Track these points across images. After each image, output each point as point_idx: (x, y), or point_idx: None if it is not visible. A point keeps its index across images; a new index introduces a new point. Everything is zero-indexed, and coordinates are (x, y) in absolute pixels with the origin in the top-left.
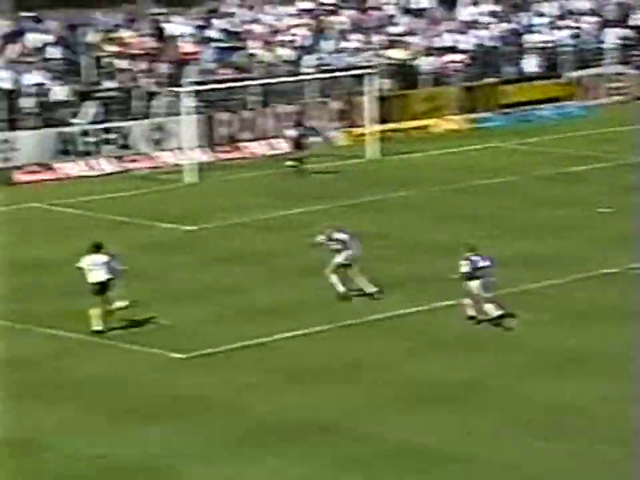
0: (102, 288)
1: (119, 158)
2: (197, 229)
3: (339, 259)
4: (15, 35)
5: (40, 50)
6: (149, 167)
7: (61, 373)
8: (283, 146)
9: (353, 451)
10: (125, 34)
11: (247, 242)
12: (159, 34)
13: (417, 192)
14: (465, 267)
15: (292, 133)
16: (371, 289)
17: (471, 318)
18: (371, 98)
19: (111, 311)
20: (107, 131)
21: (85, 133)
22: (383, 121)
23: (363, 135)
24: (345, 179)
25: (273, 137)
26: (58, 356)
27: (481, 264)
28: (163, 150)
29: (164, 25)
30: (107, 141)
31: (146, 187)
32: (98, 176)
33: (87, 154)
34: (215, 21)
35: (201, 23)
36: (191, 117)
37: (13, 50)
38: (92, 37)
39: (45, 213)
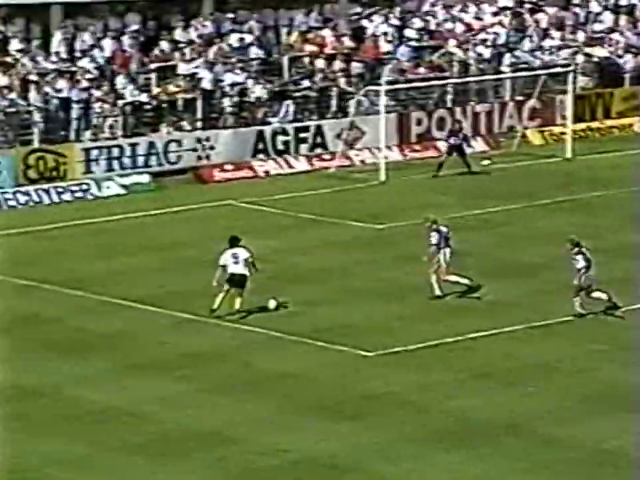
0: (242, 281)
1: (314, 156)
2: (388, 227)
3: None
4: (216, 36)
5: (239, 50)
6: (343, 166)
7: (249, 368)
8: (479, 145)
9: (539, 453)
10: (322, 34)
11: None
12: (356, 33)
13: (613, 192)
14: (582, 262)
15: (450, 141)
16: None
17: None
18: (570, 96)
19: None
20: (302, 129)
21: (281, 132)
22: (580, 119)
23: (559, 133)
24: (540, 178)
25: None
26: (246, 351)
27: (589, 256)
28: (356, 149)
29: (361, 25)
30: (302, 140)
31: (339, 185)
32: (292, 174)
33: (283, 152)
34: (413, 20)
35: (398, 22)
36: (385, 116)
37: (213, 50)
38: (290, 37)
39: (239, 211)
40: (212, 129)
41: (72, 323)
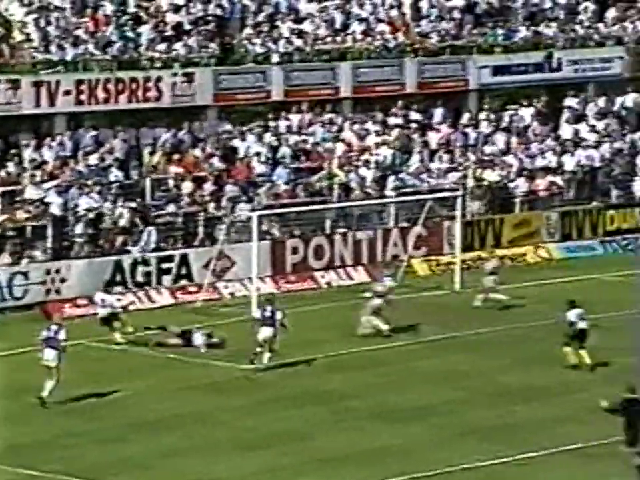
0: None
1: (178, 289)
2: (257, 368)
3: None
4: (71, 156)
5: (97, 171)
6: (210, 299)
7: None
8: (360, 276)
9: None
10: (189, 154)
11: (313, 381)
12: (227, 153)
13: (504, 328)
14: (256, 314)
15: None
16: None
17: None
18: (458, 223)
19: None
20: (165, 259)
21: (142, 262)
22: (470, 248)
23: (447, 263)
24: (426, 313)
25: (350, 266)
26: None
27: (268, 314)
28: (225, 280)
29: (232, 144)
30: (165, 271)
31: (205, 320)
32: (154, 309)
33: (143, 284)
34: (289, 139)
35: (274, 141)
36: (258, 244)
37: (67, 172)
38: (153, 157)
39: (92, 352)
40: (63, 259)
41: None
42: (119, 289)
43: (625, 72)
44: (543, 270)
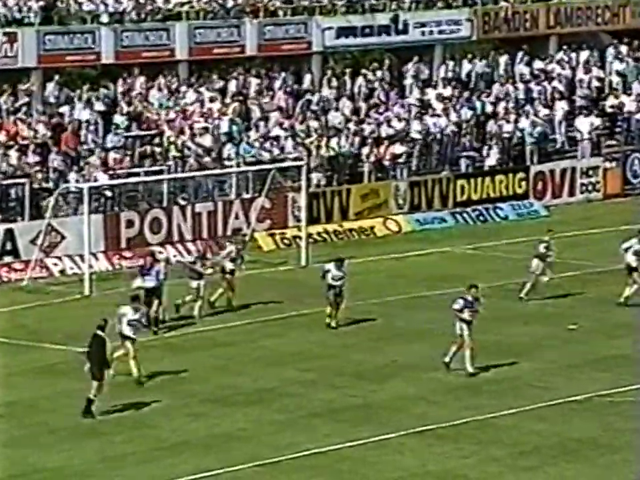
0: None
1: (2, 266)
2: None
3: None
4: None
5: None
6: (38, 277)
7: None
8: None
9: None
10: (12, 120)
11: (152, 365)
12: (55, 121)
13: (355, 304)
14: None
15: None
16: None
17: None
18: (303, 194)
19: None
20: None
21: None
22: (317, 220)
23: (292, 237)
24: (270, 289)
25: (189, 241)
26: None
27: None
28: (55, 256)
29: (61, 110)
30: None
31: (34, 300)
32: None
33: None
34: (122, 105)
35: (103, 107)
36: (90, 218)
37: None
38: None
39: None
40: None
41: None
42: None
43: (473, 35)
44: (393, 243)
